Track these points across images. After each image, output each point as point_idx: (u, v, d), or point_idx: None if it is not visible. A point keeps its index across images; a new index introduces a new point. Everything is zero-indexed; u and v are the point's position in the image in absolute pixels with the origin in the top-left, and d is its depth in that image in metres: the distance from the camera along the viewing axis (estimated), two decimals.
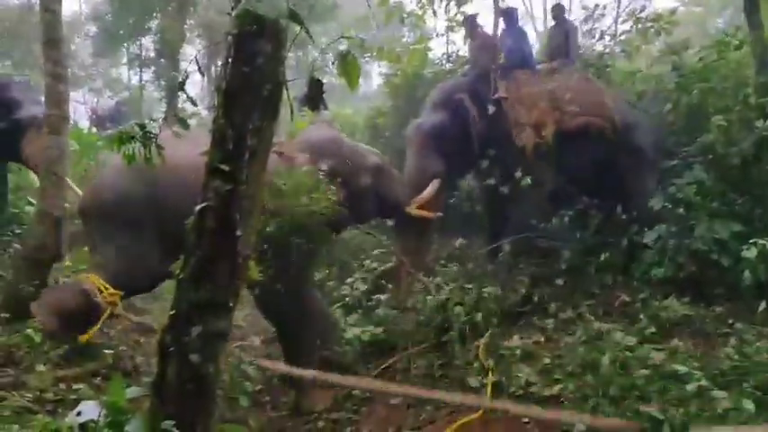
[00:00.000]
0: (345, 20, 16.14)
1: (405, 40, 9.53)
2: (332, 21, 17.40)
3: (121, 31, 16.12)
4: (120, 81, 21.04)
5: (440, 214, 6.02)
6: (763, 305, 4.48)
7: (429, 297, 5.33)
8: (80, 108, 17.88)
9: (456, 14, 8.45)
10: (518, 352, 4.67)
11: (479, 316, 5.03)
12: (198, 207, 1.80)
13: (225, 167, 1.75)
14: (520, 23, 7.73)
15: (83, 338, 4.34)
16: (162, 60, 14.18)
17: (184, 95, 1.94)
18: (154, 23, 15.24)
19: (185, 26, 13.98)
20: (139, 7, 14.83)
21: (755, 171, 5.09)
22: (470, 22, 7.53)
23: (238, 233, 1.79)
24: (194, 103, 1.89)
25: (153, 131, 1.76)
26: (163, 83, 13.90)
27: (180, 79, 1.93)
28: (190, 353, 1.76)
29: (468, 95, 6.48)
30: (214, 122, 1.82)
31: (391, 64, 8.26)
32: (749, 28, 6.34)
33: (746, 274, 4.49)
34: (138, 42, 16.59)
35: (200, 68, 2.06)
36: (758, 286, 4.54)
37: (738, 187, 5.14)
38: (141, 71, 17.11)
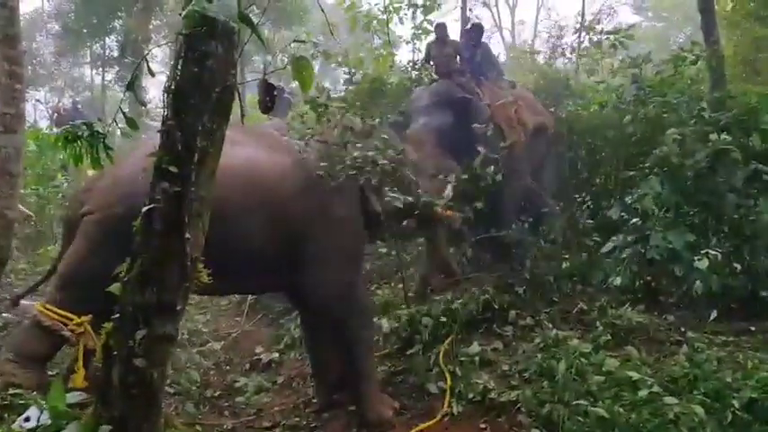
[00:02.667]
0: (315, 25, 16.13)
1: (371, 46, 9.53)
2: (301, 26, 17.37)
3: (85, 30, 15.84)
4: (83, 80, 20.64)
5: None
6: (714, 314, 4.60)
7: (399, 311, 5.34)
8: (41, 107, 17.49)
9: (422, 22, 8.50)
10: (477, 359, 4.70)
11: (442, 324, 5.09)
12: (145, 208, 1.78)
13: (173, 169, 1.73)
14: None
15: (77, 382, 3.44)
16: (126, 60, 13.96)
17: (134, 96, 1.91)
18: (118, 23, 15.02)
19: (150, 26, 13.79)
20: (104, 6, 14.60)
21: (709, 183, 5.23)
22: (442, 30, 7.61)
23: (187, 235, 1.76)
24: (143, 104, 1.85)
25: (101, 131, 1.73)
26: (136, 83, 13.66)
27: (130, 79, 1.90)
28: (134, 357, 1.72)
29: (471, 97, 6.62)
30: (163, 123, 1.80)
31: (356, 70, 8.27)
32: (705, 44, 6.56)
33: (698, 283, 4.60)
34: (101, 42, 16.31)
35: (149, 69, 2.03)
36: (709, 296, 4.66)
37: (692, 199, 5.27)
38: (104, 71, 16.82)
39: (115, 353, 1.75)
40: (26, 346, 3.68)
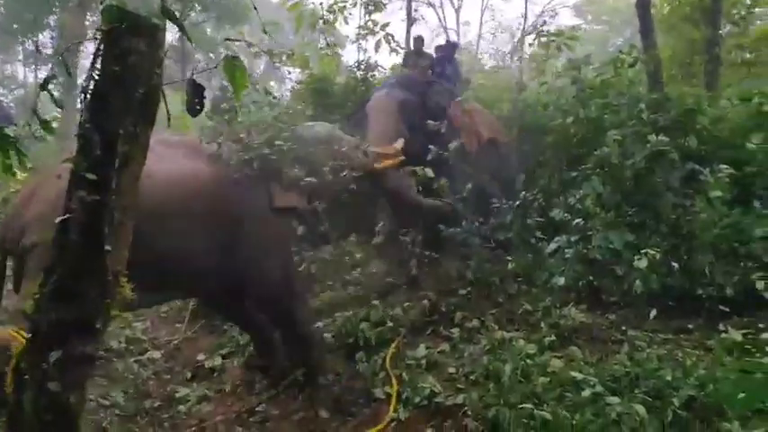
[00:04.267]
0: (259, 24, 15.83)
1: (317, 45, 9.46)
2: (245, 24, 17.06)
3: (16, 26, 15.14)
4: (15, 78, 19.77)
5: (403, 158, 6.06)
6: (653, 313, 4.69)
7: (337, 314, 5.36)
8: None
9: (367, 22, 8.52)
10: (423, 362, 4.67)
11: (386, 327, 5.06)
12: (59, 219, 1.63)
13: (91, 176, 1.60)
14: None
15: None
16: (60, 58, 13.37)
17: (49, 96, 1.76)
18: (53, 19, 14.41)
19: (87, 22, 13.27)
20: (37, 2, 13.98)
21: (647, 183, 5.33)
22: (419, 42, 8.20)
23: (107, 248, 1.63)
24: (59, 106, 1.72)
25: (11, 136, 1.58)
26: (61, 81, 13.12)
27: (45, 78, 1.75)
28: (48, 380, 1.58)
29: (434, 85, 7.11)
30: (80, 127, 1.66)
31: (301, 69, 8.21)
32: (644, 47, 6.71)
33: (638, 282, 4.68)
34: (34, 38, 15.64)
35: (67, 69, 1.88)
36: (649, 294, 4.74)
37: (632, 199, 5.36)
38: (37, 68, 16.13)
39: (26, 376, 1.61)
40: None
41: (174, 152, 4.43)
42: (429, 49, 8.57)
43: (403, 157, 5.97)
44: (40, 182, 3.97)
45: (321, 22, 8.82)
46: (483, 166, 6.86)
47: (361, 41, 9.03)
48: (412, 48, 8.37)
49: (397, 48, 8.89)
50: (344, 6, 8.46)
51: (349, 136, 5.70)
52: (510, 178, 6.82)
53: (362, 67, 8.49)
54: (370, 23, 8.46)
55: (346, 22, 8.75)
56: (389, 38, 8.37)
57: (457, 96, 7.30)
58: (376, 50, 8.48)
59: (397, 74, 7.86)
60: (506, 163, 7.18)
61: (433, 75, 7.72)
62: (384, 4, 8.64)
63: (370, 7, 8.43)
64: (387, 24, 8.04)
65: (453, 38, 17.16)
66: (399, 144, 6.11)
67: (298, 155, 4.91)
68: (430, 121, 6.54)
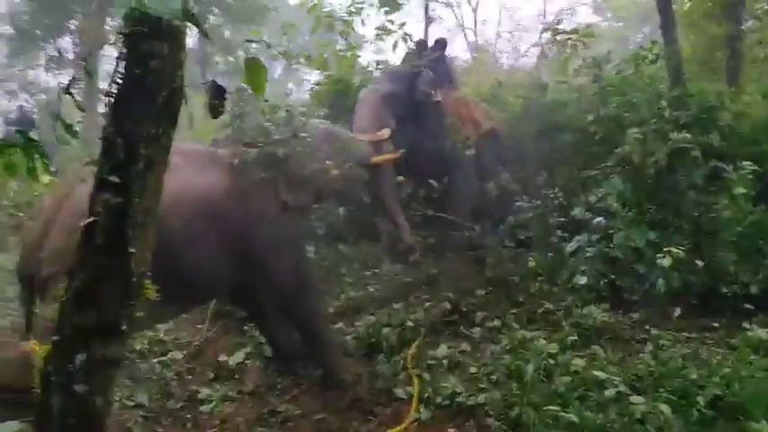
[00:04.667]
0: (277, 26, 15.95)
1: (336, 48, 9.49)
2: (263, 26, 17.16)
3: (38, 32, 15.37)
4: (37, 83, 20.07)
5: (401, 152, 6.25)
6: (677, 311, 4.64)
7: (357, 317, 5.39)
8: None
9: (384, 23, 8.54)
10: (445, 362, 4.66)
11: (407, 327, 5.06)
12: (84, 222, 1.66)
13: (115, 179, 1.62)
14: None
15: None
16: (82, 62, 13.55)
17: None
18: (73, 24, 14.62)
19: (107, 27, 13.43)
20: (58, 7, 14.18)
21: (669, 181, 5.27)
22: (420, 46, 8.19)
23: (131, 250, 1.65)
24: (82, 109, 1.74)
25: (35, 139, 1.60)
26: (82, 85, 13.29)
27: (67, 82, 1.78)
28: (74, 383, 1.60)
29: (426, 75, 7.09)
30: (104, 130, 1.68)
31: (320, 71, 8.25)
32: (665, 43, 6.63)
33: (660, 281, 4.63)
34: (56, 44, 15.87)
35: (89, 73, 1.90)
36: (672, 293, 4.69)
37: (653, 197, 5.30)
38: (59, 73, 16.36)
39: (53, 379, 1.63)
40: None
41: (183, 162, 4.37)
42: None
43: (400, 152, 6.17)
44: (64, 200, 3.99)
45: (340, 23, 8.86)
46: (487, 158, 6.97)
47: (378, 42, 9.06)
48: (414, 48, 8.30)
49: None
50: (362, 8, 8.48)
51: (345, 131, 5.79)
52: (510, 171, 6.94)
53: (379, 67, 8.50)
54: (387, 24, 8.45)
55: (363, 24, 8.77)
56: (407, 37, 8.36)
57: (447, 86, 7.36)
58: (393, 50, 8.49)
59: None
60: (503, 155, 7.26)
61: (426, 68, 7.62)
62: (400, 4, 8.64)
63: (386, 8, 8.43)
64: (404, 24, 8.03)
65: (471, 38, 17.13)
66: (386, 133, 6.24)
67: (302, 153, 4.93)
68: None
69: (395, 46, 8.42)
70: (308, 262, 5.52)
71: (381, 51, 9.21)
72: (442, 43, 8.32)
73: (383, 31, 8.69)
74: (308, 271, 5.12)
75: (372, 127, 6.32)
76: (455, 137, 6.76)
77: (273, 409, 4.73)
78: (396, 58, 9.03)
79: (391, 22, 8.47)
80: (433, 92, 6.87)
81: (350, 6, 8.73)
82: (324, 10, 8.65)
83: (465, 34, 17.45)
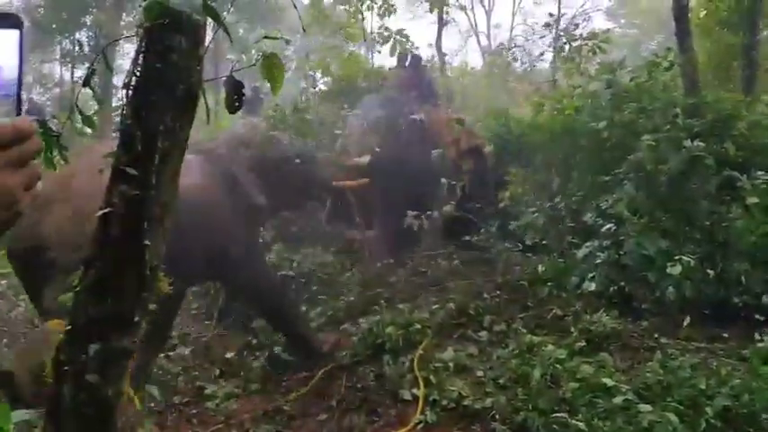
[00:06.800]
0: (292, 24, 16.00)
1: (347, 51, 9.63)
2: (277, 23, 17.20)
3: (54, 26, 15.48)
4: (52, 77, 20.21)
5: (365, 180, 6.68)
6: (687, 320, 4.61)
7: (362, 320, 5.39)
8: None
9: (380, 27, 8.86)
10: (451, 365, 4.65)
11: (413, 329, 5.04)
12: (100, 213, 1.66)
13: (132, 171, 1.62)
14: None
15: None
16: (100, 54, 13.62)
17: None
18: (89, 18, 14.71)
19: (122, 22, 13.51)
20: (74, 1, 14.28)
21: (682, 189, 5.24)
22: (401, 59, 8.73)
23: (147, 242, 1.65)
24: (100, 102, 1.74)
25: (54, 130, 1.61)
26: (97, 80, 13.35)
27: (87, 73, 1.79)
28: (87, 372, 1.60)
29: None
30: (122, 122, 1.69)
31: (324, 72, 8.51)
32: (679, 51, 6.59)
33: (671, 289, 4.60)
34: (71, 37, 15.97)
35: (108, 65, 1.91)
36: (682, 301, 4.66)
37: (666, 205, 5.28)
38: (74, 67, 16.46)
39: (66, 368, 1.63)
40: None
41: None
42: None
43: (365, 181, 6.59)
44: (66, 179, 4.06)
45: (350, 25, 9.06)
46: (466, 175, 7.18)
47: (375, 45, 9.34)
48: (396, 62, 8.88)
49: (412, 50, 9.13)
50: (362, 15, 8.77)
51: (321, 155, 6.39)
52: (491, 188, 7.14)
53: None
54: (382, 30, 8.76)
55: (364, 28, 9.08)
56: (404, 42, 8.65)
57: (430, 104, 7.88)
58: (391, 55, 8.75)
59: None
60: (487, 173, 7.43)
61: (406, 88, 8.21)
62: (394, 8, 8.93)
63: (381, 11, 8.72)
64: (401, 30, 8.39)
65: (484, 41, 17.11)
66: (364, 160, 6.80)
67: (270, 163, 5.20)
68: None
69: (393, 50, 8.67)
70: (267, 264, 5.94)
71: (379, 53, 9.48)
72: (416, 59, 8.70)
73: (376, 34, 8.98)
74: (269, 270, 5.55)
75: (355, 152, 6.91)
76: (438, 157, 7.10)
77: (279, 407, 4.74)
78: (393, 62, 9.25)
79: (387, 29, 8.78)
80: (419, 117, 7.40)
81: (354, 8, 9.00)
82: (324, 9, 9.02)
83: (478, 38, 17.44)
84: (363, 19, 9.17)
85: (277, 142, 5.53)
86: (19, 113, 0.78)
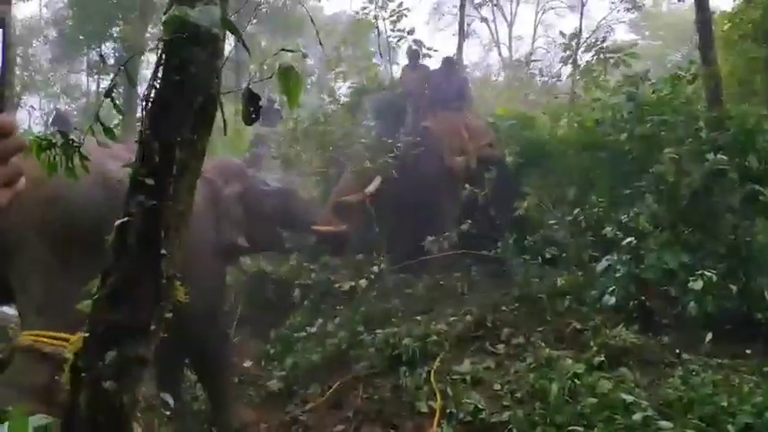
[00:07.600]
0: (313, 36, 16.12)
1: (372, 62, 9.74)
2: (299, 36, 17.36)
3: (81, 37, 15.80)
4: (79, 87, 20.60)
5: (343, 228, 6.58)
6: (709, 336, 4.52)
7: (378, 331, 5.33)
8: (36, 113, 17.45)
9: (388, 36, 8.95)
10: (468, 377, 4.62)
11: (431, 341, 5.02)
12: (118, 222, 1.69)
13: (150, 181, 1.65)
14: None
15: None
16: (123, 67, 13.85)
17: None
18: (115, 30, 14.98)
19: (147, 34, 13.74)
20: (101, 13, 14.56)
21: (705, 203, 5.17)
22: (413, 56, 8.65)
23: (163, 252, 1.68)
24: (121, 112, 1.78)
25: (76, 140, 1.64)
26: (122, 91, 13.59)
27: (109, 86, 1.82)
28: (103, 379, 1.62)
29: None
30: (141, 133, 1.72)
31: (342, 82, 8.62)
32: (702, 64, 6.51)
33: (693, 304, 4.53)
34: (98, 49, 16.29)
35: (130, 78, 1.95)
36: (704, 317, 4.58)
37: (687, 218, 5.20)
38: (100, 78, 16.76)
39: (83, 375, 1.66)
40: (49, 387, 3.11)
41: None
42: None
43: (342, 228, 6.52)
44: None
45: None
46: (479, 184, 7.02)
47: (389, 52, 9.41)
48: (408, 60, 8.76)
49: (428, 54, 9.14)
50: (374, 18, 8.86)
51: (307, 197, 6.53)
52: (507, 196, 6.91)
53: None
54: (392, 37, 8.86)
55: (379, 35, 9.15)
56: (420, 45, 8.68)
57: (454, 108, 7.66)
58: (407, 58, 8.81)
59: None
60: (502, 180, 7.16)
61: (428, 89, 7.97)
62: (403, 15, 8.98)
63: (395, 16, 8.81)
64: (412, 31, 8.42)
65: (505, 53, 17.10)
66: (373, 187, 6.75)
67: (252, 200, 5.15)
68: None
69: (411, 54, 8.70)
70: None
71: (396, 63, 9.55)
72: (448, 62, 8.56)
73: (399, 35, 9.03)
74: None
75: (352, 191, 6.80)
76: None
77: (295, 417, 4.75)
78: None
79: (401, 31, 8.84)
80: (425, 125, 7.37)
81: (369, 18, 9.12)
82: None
83: (499, 50, 17.44)
84: (377, 25, 9.22)
85: (255, 184, 5.41)
86: (1, 110, 0.76)
